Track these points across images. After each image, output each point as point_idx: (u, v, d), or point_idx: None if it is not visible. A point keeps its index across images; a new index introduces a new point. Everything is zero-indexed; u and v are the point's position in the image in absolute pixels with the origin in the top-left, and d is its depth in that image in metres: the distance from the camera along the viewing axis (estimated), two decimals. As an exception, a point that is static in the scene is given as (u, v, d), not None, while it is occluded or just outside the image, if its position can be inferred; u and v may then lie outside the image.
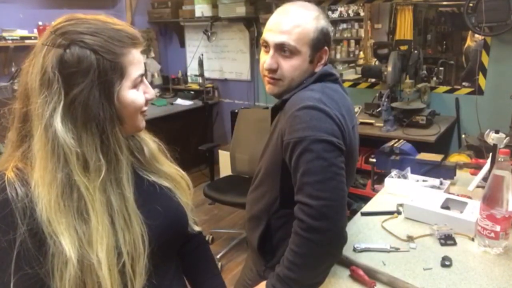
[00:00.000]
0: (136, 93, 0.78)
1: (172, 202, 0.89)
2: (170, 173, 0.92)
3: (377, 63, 3.53)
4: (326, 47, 1.13)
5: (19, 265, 0.69)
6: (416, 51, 3.15)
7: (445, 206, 1.41)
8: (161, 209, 0.85)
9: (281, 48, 1.08)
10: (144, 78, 0.81)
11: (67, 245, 0.69)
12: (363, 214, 1.48)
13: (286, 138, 1.01)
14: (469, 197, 1.48)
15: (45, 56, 0.71)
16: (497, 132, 1.50)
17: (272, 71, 1.10)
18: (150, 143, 0.91)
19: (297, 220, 0.97)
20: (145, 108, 0.81)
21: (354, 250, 1.23)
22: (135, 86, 0.78)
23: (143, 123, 0.83)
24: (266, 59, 1.11)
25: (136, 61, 0.77)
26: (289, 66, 1.09)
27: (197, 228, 0.97)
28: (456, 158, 2.05)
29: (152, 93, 0.82)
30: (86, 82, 0.70)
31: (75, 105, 0.71)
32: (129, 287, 0.76)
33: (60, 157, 0.70)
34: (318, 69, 1.13)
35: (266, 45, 1.11)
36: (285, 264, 0.98)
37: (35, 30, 3.44)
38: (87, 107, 0.71)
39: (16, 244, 0.69)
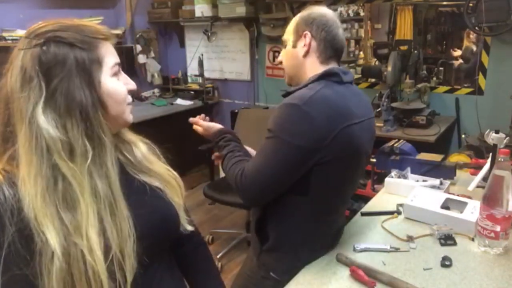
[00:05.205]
0: (117, 82, 0.81)
1: (162, 202, 0.89)
2: (161, 173, 0.93)
3: (377, 63, 3.53)
4: (306, 31, 1.21)
5: (7, 266, 0.69)
6: (416, 51, 3.15)
7: (445, 206, 1.41)
8: (151, 208, 0.85)
9: (283, 43, 1.31)
10: (121, 69, 0.83)
11: (52, 238, 0.69)
12: (363, 214, 1.48)
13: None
14: (469, 197, 1.48)
15: (23, 59, 0.73)
16: (497, 132, 1.50)
17: (280, 63, 1.33)
18: (141, 144, 0.92)
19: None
20: (129, 100, 0.84)
21: (354, 250, 1.24)
22: (114, 74, 0.80)
23: (130, 117, 0.85)
24: None
25: (110, 51, 0.81)
26: (282, 55, 1.31)
27: (189, 228, 0.96)
28: (456, 158, 2.04)
29: (132, 84, 0.85)
30: (65, 72, 0.73)
31: (56, 96, 0.72)
32: (118, 276, 0.75)
33: (43, 149, 0.71)
34: (302, 52, 1.22)
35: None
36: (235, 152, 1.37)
37: (35, 30, 3.44)
38: (68, 95, 0.73)
39: (4, 245, 0.69)
